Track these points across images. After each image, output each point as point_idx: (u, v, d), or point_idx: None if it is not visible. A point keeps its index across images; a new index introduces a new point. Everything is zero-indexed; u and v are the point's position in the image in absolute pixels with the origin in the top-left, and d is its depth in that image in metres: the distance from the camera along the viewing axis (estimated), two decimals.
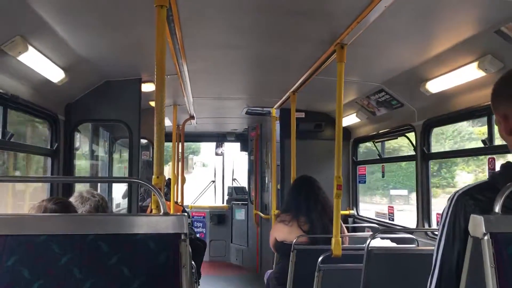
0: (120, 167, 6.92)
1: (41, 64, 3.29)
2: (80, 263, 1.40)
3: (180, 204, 7.21)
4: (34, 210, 2.53)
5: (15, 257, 1.39)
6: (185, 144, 8.17)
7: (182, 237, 1.43)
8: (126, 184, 5.40)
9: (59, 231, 1.42)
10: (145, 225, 1.46)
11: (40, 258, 1.40)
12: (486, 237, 1.35)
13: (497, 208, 1.38)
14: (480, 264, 1.34)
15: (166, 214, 1.41)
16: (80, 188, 4.18)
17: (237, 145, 10.52)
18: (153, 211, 1.79)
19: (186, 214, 1.43)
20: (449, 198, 1.62)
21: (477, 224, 1.39)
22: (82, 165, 5.55)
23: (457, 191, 1.61)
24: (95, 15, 3.01)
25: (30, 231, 1.41)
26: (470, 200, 1.55)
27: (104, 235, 1.42)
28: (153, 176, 2.36)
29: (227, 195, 10.92)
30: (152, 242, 1.43)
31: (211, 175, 12.45)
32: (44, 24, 2.92)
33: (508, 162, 1.60)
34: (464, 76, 3.48)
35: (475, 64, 3.24)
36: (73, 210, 2.67)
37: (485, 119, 3.68)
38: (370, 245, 2.84)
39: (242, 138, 10.15)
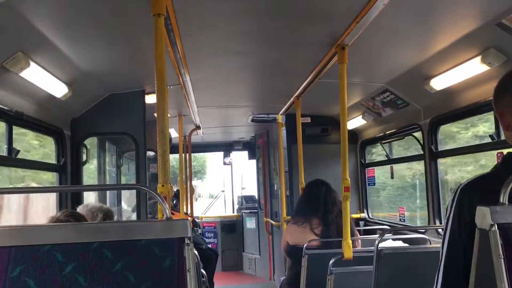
0: (128, 180, 6.94)
1: (44, 79, 3.31)
2: (84, 271, 1.39)
3: (190, 215, 7.21)
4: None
5: (20, 268, 1.39)
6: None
7: (186, 241, 1.42)
8: (135, 197, 5.39)
9: (62, 240, 1.42)
10: (148, 230, 1.45)
11: (45, 268, 1.39)
12: (493, 228, 1.32)
13: (503, 199, 1.36)
14: (489, 256, 1.32)
15: (169, 219, 1.41)
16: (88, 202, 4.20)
17: (245, 153, 10.52)
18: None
19: (189, 219, 1.42)
20: (453, 191, 1.60)
21: (484, 216, 1.36)
22: (89, 180, 5.57)
23: (461, 184, 1.59)
24: (96, 29, 3.04)
25: (33, 242, 1.40)
26: (474, 192, 1.54)
27: (108, 242, 1.42)
28: (158, 185, 2.37)
29: (237, 204, 10.90)
30: (156, 248, 1.43)
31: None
32: (45, 40, 2.95)
33: (509, 153, 1.59)
34: (468, 71, 3.45)
35: (478, 58, 3.21)
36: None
37: (491, 113, 3.64)
38: (380, 246, 2.81)
39: (250, 146, 10.14)
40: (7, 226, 1.91)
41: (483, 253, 1.36)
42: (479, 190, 1.54)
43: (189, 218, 6.79)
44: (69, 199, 4.33)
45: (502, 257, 1.30)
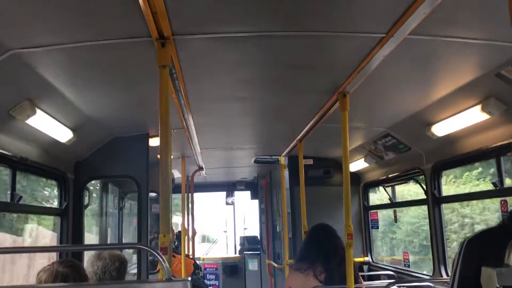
0: (130, 221, 6.89)
1: (49, 125, 3.35)
2: None
3: (191, 257, 7.10)
4: (45, 274, 2.52)
5: None
6: None
7: None
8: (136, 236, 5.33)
9: None
10: None
11: None
12: None
13: (509, 261, 1.34)
14: None
15: (169, 280, 1.39)
16: None
17: (247, 193, 10.47)
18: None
19: (190, 279, 1.40)
20: (460, 244, 1.59)
21: (489, 277, 1.35)
22: (92, 222, 5.54)
23: (468, 237, 1.58)
24: (101, 78, 3.10)
25: None
26: (481, 247, 1.53)
27: None
28: (160, 235, 2.35)
29: (239, 245, 10.76)
30: None
31: None
32: (52, 88, 3.01)
33: None
34: (469, 119, 3.48)
35: (479, 107, 3.25)
36: (83, 273, 2.65)
37: (494, 160, 3.64)
38: None
39: (252, 187, 10.10)
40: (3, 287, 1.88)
41: None
42: (485, 245, 1.53)
43: (191, 261, 6.70)
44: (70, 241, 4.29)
45: None
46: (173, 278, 1.37)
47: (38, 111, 3.06)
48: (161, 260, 1.40)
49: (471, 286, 1.47)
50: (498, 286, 1.33)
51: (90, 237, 5.61)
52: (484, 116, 3.27)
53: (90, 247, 4.59)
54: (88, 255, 3.13)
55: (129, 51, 2.68)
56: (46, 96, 3.09)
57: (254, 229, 11.10)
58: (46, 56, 2.58)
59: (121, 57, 2.77)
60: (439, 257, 4.41)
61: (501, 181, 3.48)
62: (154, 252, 1.46)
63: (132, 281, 3.88)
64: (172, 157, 5.64)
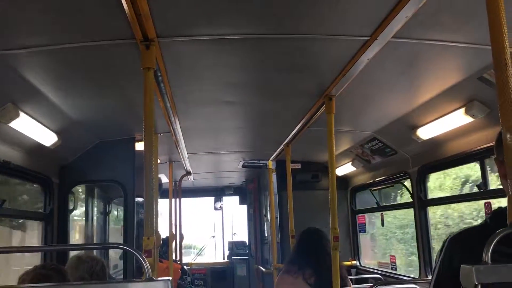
0: (117, 227, 6.83)
1: (33, 129, 3.32)
2: None
3: (179, 262, 7.06)
4: (28, 277, 2.49)
5: None
6: None
7: None
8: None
9: None
10: None
11: None
12: None
13: (486, 258, 1.35)
14: None
15: (149, 279, 1.38)
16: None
17: (236, 198, 10.44)
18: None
19: (171, 278, 1.40)
20: (443, 241, 1.60)
21: (468, 275, 1.35)
22: (77, 227, 5.48)
23: (450, 236, 1.59)
24: (86, 80, 3.09)
25: None
26: (463, 245, 1.53)
27: None
28: (144, 237, 2.34)
29: (228, 250, 10.71)
30: None
31: None
32: (36, 91, 2.98)
33: (499, 208, 1.59)
34: (453, 122, 3.52)
35: (463, 110, 3.29)
36: (67, 277, 2.62)
37: (478, 163, 3.68)
38: None
39: (241, 192, 10.09)
40: None
41: None
42: (467, 244, 1.54)
43: (178, 267, 6.66)
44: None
45: None
46: (154, 278, 1.37)
47: (22, 114, 3.03)
48: (141, 259, 1.39)
49: (451, 284, 1.47)
50: (476, 283, 1.34)
51: (76, 243, 5.54)
52: (468, 119, 3.31)
53: (74, 246, 4.54)
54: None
55: (113, 53, 2.67)
56: (30, 99, 3.07)
57: (242, 234, 11.07)
58: (29, 58, 2.56)
59: (106, 60, 2.76)
60: (425, 259, 4.44)
61: (485, 183, 3.52)
62: (135, 252, 1.45)
63: (115, 281, 3.84)
64: (159, 161, 5.63)
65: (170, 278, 1.46)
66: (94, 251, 5.57)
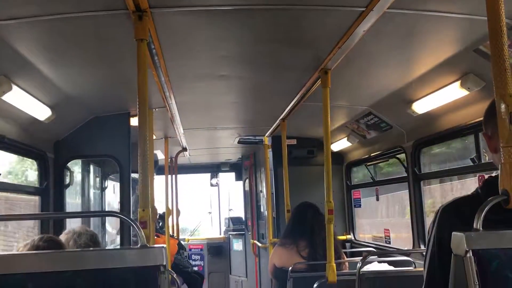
0: (114, 202, 6.86)
1: (26, 102, 3.29)
2: None
3: (175, 237, 7.12)
4: (25, 248, 2.51)
5: None
6: None
7: (161, 269, 1.40)
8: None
9: (35, 269, 1.39)
10: (123, 259, 1.43)
11: None
12: (468, 255, 1.33)
13: (477, 225, 1.36)
14: (464, 282, 1.32)
15: (144, 246, 1.39)
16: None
17: (232, 175, 10.48)
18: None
19: (165, 245, 1.41)
20: (435, 212, 1.61)
21: (459, 242, 1.37)
22: (73, 203, 5.49)
23: (442, 205, 1.61)
24: (80, 53, 3.04)
25: (4, 271, 1.37)
26: (454, 215, 1.55)
27: (81, 271, 1.39)
28: (139, 210, 2.35)
29: (224, 225, 10.81)
30: (131, 276, 1.40)
31: None
32: (28, 64, 2.94)
33: (489, 177, 1.60)
34: (448, 95, 3.51)
35: (458, 83, 3.28)
36: (64, 248, 2.65)
37: (472, 136, 3.69)
38: (363, 270, 2.80)
39: (237, 168, 10.11)
40: None
41: (459, 280, 1.36)
42: (459, 213, 1.55)
43: (175, 242, 6.72)
44: (51, 221, 4.26)
45: (478, 283, 1.31)
46: (148, 245, 1.38)
47: (14, 87, 3.00)
48: (136, 228, 1.40)
49: (444, 252, 1.49)
50: (467, 249, 1.35)
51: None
52: (463, 93, 3.31)
53: (71, 214, 4.54)
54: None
55: (106, 24, 2.63)
56: (23, 71, 3.03)
57: (239, 211, 11.14)
58: (20, 29, 2.52)
59: (99, 31, 2.72)
60: (418, 232, 4.50)
61: (479, 157, 3.54)
62: (130, 221, 1.46)
63: (110, 249, 3.89)
64: (154, 137, 5.61)
65: (165, 245, 1.48)
66: (92, 226, 5.62)
